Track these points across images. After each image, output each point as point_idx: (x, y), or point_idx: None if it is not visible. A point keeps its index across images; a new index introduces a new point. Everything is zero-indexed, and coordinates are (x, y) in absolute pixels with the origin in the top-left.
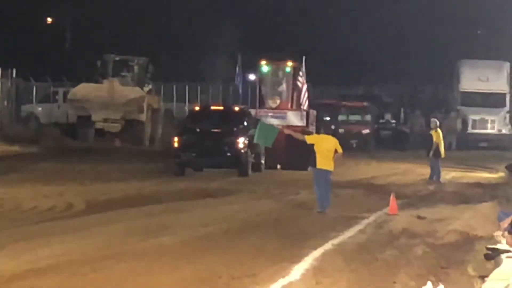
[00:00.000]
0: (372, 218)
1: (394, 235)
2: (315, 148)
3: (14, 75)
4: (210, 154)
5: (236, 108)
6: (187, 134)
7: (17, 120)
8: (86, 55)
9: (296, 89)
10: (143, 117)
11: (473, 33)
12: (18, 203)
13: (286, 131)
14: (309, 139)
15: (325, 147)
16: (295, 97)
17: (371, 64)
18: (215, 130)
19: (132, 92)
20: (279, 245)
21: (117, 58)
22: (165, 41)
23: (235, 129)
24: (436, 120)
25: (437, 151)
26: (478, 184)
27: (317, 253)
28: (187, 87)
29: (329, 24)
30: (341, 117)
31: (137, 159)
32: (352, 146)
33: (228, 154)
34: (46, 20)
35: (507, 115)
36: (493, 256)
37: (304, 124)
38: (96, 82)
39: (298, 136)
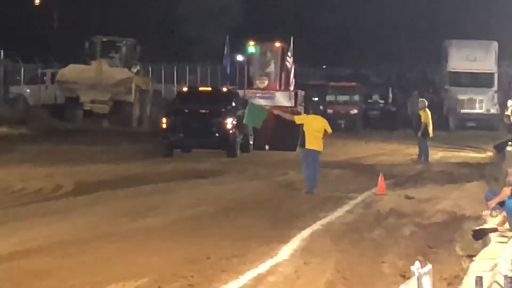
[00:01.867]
0: (360, 198)
1: (382, 215)
2: (304, 128)
3: (1, 56)
4: (198, 135)
5: (224, 89)
6: (175, 115)
7: (5, 101)
8: (74, 36)
9: (284, 70)
10: (131, 98)
11: (461, 12)
12: (6, 185)
13: (276, 112)
14: (298, 119)
15: (314, 127)
16: (283, 78)
17: (359, 44)
18: (203, 111)
19: (120, 73)
20: (267, 225)
21: (105, 39)
22: (153, 22)
23: (223, 109)
24: (424, 100)
25: (426, 131)
26: (466, 164)
27: (305, 233)
28: (175, 68)
29: (317, 4)
30: (329, 98)
31: (125, 140)
32: (340, 126)
33: (216, 134)
34: (33, 1)
35: (495, 95)
36: (481, 235)
37: (293, 105)
38: (84, 63)
39: (287, 116)
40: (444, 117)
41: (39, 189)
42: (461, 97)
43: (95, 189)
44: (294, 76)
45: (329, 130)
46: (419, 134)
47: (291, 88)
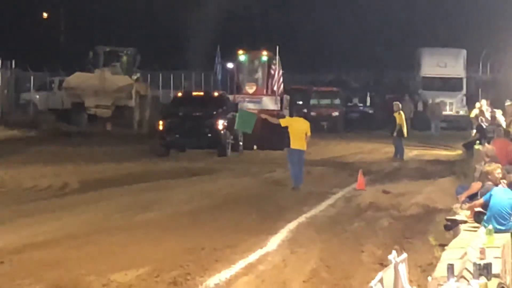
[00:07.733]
0: (341, 193)
1: (361, 209)
2: (289, 130)
3: (13, 65)
4: (192, 136)
5: (216, 94)
6: (171, 118)
7: (16, 107)
8: (79, 46)
9: (270, 76)
10: (131, 103)
11: (433, 22)
12: (18, 183)
13: (263, 116)
14: (283, 122)
15: (297, 128)
16: (270, 84)
17: (340, 52)
18: (197, 114)
19: (122, 80)
20: (257, 218)
21: (108, 49)
22: (152, 33)
23: (214, 112)
24: (398, 103)
25: (400, 131)
26: (438, 161)
27: (291, 225)
28: (172, 75)
29: (301, 15)
30: (312, 101)
31: (126, 141)
32: (323, 128)
33: (209, 135)
34: (42, 15)
35: (464, 98)
36: (452, 226)
37: (279, 108)
38: (89, 71)
39: (273, 120)
40: (419, 118)
41: (48, 186)
42: (433, 100)
43: (99, 187)
44: (281, 81)
45: (309, 133)
46: (395, 134)
47: (278, 93)
